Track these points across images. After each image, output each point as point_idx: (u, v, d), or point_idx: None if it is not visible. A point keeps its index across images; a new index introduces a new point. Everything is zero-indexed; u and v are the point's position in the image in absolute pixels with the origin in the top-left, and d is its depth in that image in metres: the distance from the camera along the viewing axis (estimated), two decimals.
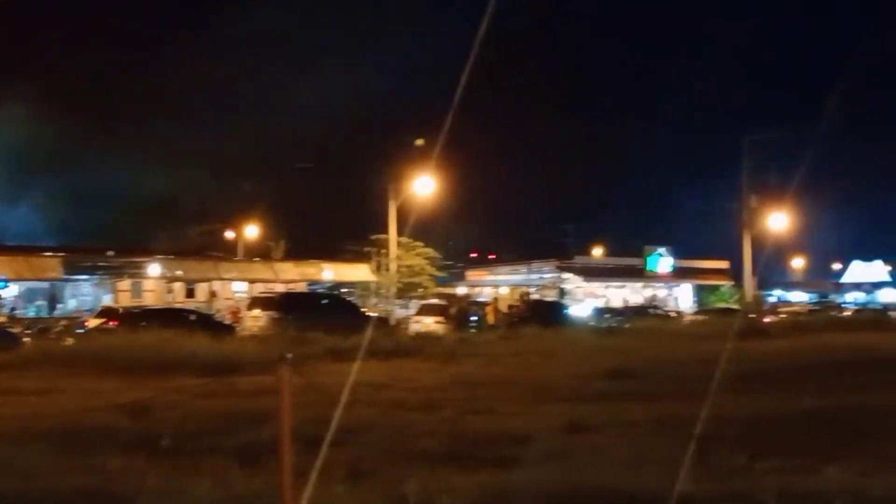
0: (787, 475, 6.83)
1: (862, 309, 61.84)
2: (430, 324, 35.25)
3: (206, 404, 11.47)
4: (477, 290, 65.35)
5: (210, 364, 16.23)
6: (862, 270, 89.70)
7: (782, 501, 5.94)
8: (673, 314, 51.89)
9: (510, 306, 41.80)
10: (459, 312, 37.44)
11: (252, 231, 58.93)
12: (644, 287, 69.18)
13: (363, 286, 51.48)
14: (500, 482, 6.55)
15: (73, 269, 45.36)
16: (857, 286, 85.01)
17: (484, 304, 43.37)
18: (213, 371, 15.26)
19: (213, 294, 47.92)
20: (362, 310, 37.13)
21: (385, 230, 47.53)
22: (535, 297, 53.91)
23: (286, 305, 32.18)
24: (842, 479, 6.49)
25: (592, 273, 67.40)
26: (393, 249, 47.65)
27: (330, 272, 52.44)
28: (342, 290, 50.51)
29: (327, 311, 32.10)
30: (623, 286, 68.38)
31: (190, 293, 48.21)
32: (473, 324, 37.33)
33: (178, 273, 48.53)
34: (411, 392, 13.75)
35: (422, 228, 49.88)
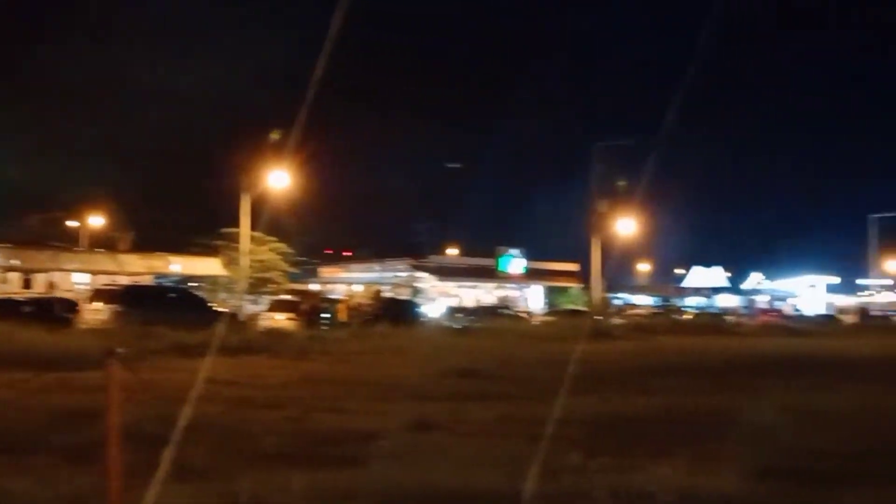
0: (619, 473, 7.01)
1: (701, 313, 64.74)
2: (280, 320, 34.80)
3: (37, 400, 10.93)
4: (330, 287, 64.95)
5: (44, 358, 15.48)
6: (702, 276, 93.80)
7: (612, 499, 6.09)
8: (523, 315, 52.92)
9: (362, 304, 41.73)
10: (311, 309, 37.08)
11: (97, 221, 56.72)
12: (496, 287, 70.27)
13: (212, 281, 50.32)
14: (340, 481, 6.48)
15: None
16: (698, 291, 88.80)
17: (337, 302, 43.11)
18: (47, 365, 14.54)
19: (51, 285, 45.89)
20: (210, 305, 36.24)
21: (237, 224, 46.60)
22: (388, 295, 53.99)
23: (130, 298, 31.08)
24: (669, 478, 6.71)
25: (446, 272, 68.01)
26: (244, 244, 46.73)
27: (178, 265, 51.08)
28: (190, 285, 49.22)
29: (174, 305, 31.15)
30: (476, 286, 69.25)
31: (27, 283, 46.02)
32: (325, 321, 37.06)
33: (15, 262, 46.24)
34: (258, 389, 13.51)
35: (275, 223, 49.18)
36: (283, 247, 52.58)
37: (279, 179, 44.90)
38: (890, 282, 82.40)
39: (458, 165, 69.79)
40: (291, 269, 54.74)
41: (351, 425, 9.81)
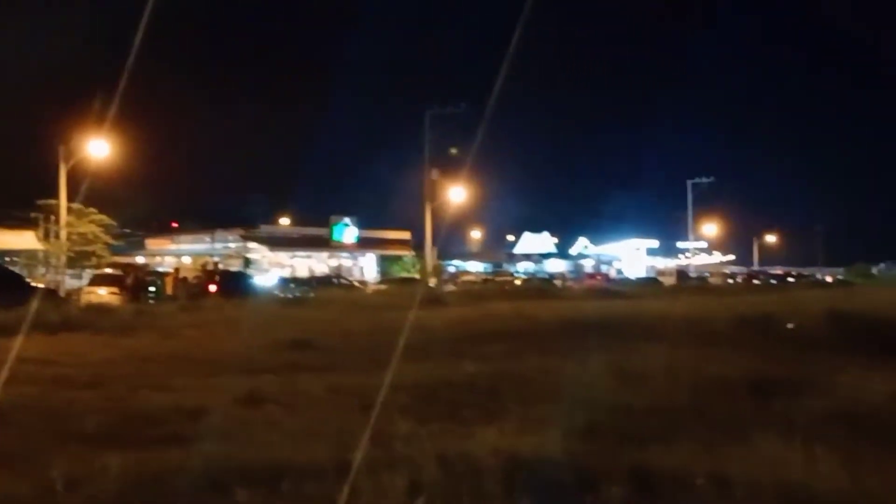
0: (448, 439, 7.13)
1: (531, 278, 66.62)
2: (104, 295, 33.54)
3: None
4: (158, 259, 62.98)
5: None
6: (532, 242, 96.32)
7: (439, 465, 6.19)
8: (357, 284, 52.95)
9: (195, 276, 40.68)
10: (136, 283, 35.85)
11: None
12: (330, 257, 69.97)
13: (29, 255, 47.75)
14: (163, 460, 6.30)
15: None
16: (528, 257, 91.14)
17: (164, 275, 41.83)
18: None
19: None
20: (27, 281, 34.43)
21: (55, 195, 44.37)
22: (220, 267, 52.85)
23: None
24: (496, 442, 6.88)
25: (278, 243, 67.16)
26: (63, 216, 44.62)
27: None
28: (5, 260, 46.57)
29: None
30: (309, 256, 68.73)
31: None
32: (152, 295, 35.96)
33: None
34: (78, 368, 12.95)
35: (98, 195, 47.05)
36: (105, 219, 50.40)
37: (100, 149, 43.06)
38: (705, 244, 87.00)
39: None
40: (115, 242, 52.61)
41: (177, 403, 9.54)
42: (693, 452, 6.77)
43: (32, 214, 47.77)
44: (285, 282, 50.42)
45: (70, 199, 44.18)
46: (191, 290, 36.47)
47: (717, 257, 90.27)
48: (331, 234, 69.22)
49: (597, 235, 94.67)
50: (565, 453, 6.58)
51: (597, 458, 6.69)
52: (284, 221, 72.78)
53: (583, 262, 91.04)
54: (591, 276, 76.15)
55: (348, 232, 69.87)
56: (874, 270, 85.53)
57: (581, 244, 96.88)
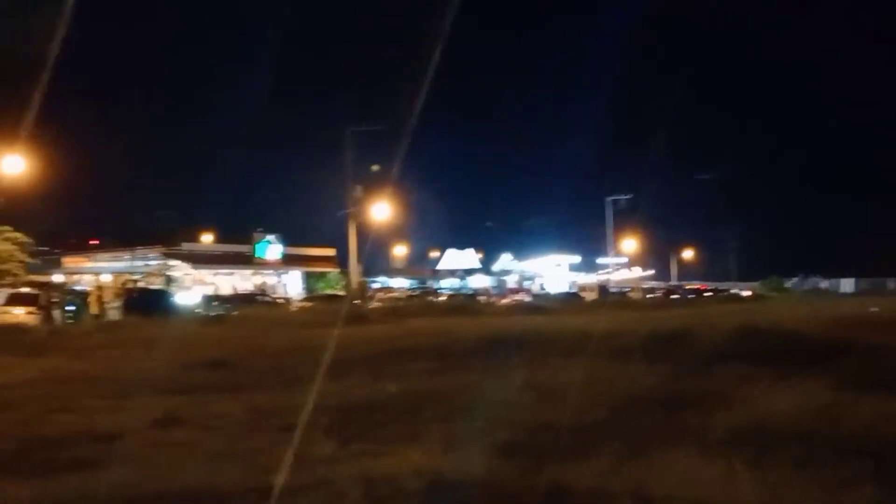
0: (369, 459, 7.12)
1: (455, 294, 66.79)
2: (19, 315, 32.62)
3: None
4: (76, 277, 61.54)
5: None
6: (456, 258, 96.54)
7: (362, 486, 6.17)
8: (281, 301, 52.43)
9: (117, 294, 39.87)
10: (51, 302, 35.00)
11: None
12: (254, 274, 69.17)
13: None
14: (73, 488, 6.15)
15: None
16: (452, 272, 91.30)
17: (83, 294, 40.88)
18: None
19: None
20: None
21: None
22: (139, 285, 51.87)
23: None
24: (418, 462, 6.89)
25: (200, 260, 66.13)
26: None
27: None
28: None
29: None
30: (232, 273, 67.85)
31: None
32: (70, 314, 35.13)
33: None
34: None
35: (11, 211, 45.82)
36: (20, 236, 49.07)
37: (14, 165, 41.98)
38: (625, 260, 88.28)
39: None
40: (31, 260, 51.24)
41: (89, 425, 9.33)
42: (610, 469, 6.87)
43: None
44: (208, 299, 49.67)
45: None
46: (107, 308, 35.79)
47: (637, 272, 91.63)
48: (254, 251, 68.46)
49: (521, 251, 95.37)
50: (487, 472, 6.62)
51: (517, 475, 6.75)
52: (207, 238, 71.74)
53: (506, 277, 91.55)
54: (514, 291, 76.62)
55: (272, 249, 69.18)
56: (788, 284, 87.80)
57: (505, 260, 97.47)
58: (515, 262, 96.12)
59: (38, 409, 10.83)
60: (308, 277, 71.35)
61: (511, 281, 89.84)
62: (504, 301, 59.54)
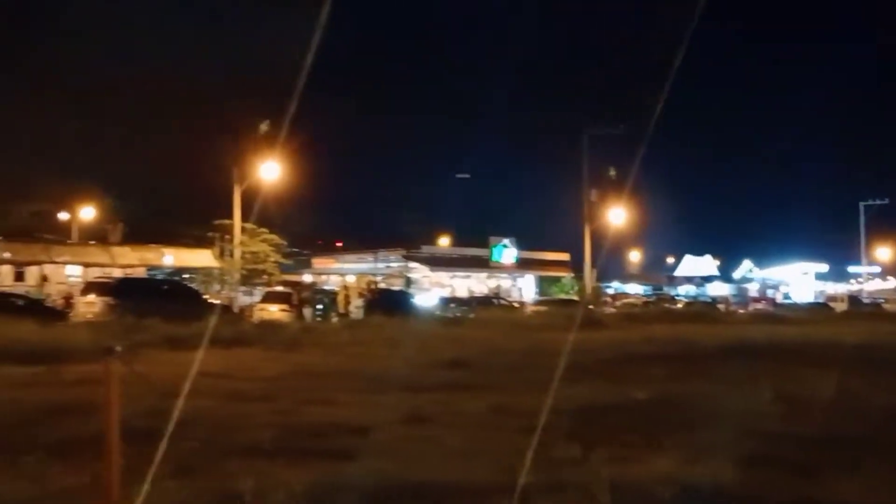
0: (615, 465, 7.05)
1: (693, 302, 64.97)
2: (274, 312, 34.82)
3: (28, 395, 10.93)
4: (323, 278, 64.91)
5: (37, 352, 15.49)
6: (693, 264, 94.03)
7: (611, 490, 6.12)
8: (516, 305, 52.96)
9: (361, 294, 41.76)
10: (304, 300, 37.12)
11: (88, 213, 56.52)
12: (488, 277, 70.32)
13: (205, 272, 50.23)
14: (334, 476, 6.49)
15: None
16: (689, 279, 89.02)
17: (331, 293, 43.11)
18: (39, 359, 14.57)
19: (44, 278, 45.74)
20: (204, 297, 36.23)
21: (229, 215, 46.55)
22: (381, 286, 54.02)
23: (123, 291, 31.03)
24: (666, 469, 6.75)
25: (439, 262, 68.01)
26: (237, 235, 46.73)
27: (170, 257, 50.90)
28: (183, 277, 49.15)
29: (167, 297, 31.12)
30: (468, 276, 69.30)
31: (19, 276, 45.87)
32: (319, 312, 37.12)
33: (6, 255, 46.10)
34: (251, 382, 13.49)
35: (267, 215, 49.13)
36: (275, 238, 52.51)
37: (271, 170, 44.87)
38: (879, 269, 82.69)
39: (466, 176, 70.15)
40: (284, 261, 54.69)
41: (344, 418, 9.80)
42: (868, 487, 6.47)
43: (209, 234, 50.27)
44: (445, 301, 50.97)
45: (243, 218, 46.16)
46: (362, 307, 37.47)
47: (893, 283, 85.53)
48: (490, 254, 69.61)
49: (762, 258, 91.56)
50: (736, 483, 6.39)
51: (768, 489, 6.48)
52: (444, 242, 73.69)
53: (747, 285, 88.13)
54: (757, 300, 73.54)
55: (507, 253, 70.08)
56: None
57: (745, 267, 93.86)
58: (757, 269, 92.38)
59: (293, 401, 11.45)
60: (542, 281, 71.70)
61: (752, 289, 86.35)
62: (746, 309, 57.30)
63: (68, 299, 37.61)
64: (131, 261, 48.96)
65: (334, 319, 34.36)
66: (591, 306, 46.82)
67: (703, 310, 50.53)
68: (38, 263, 46.52)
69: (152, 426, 6.54)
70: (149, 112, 61.37)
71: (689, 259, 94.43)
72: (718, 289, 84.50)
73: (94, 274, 43.00)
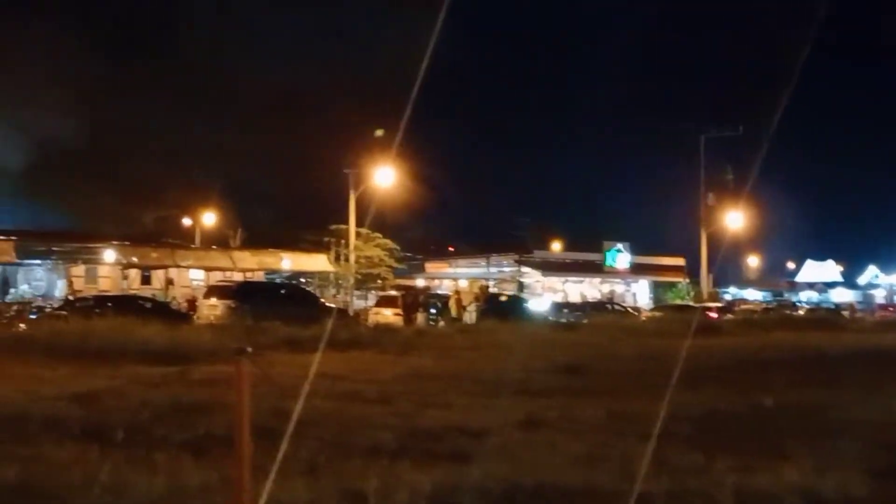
0: (740, 473, 6.89)
1: (815, 308, 62.82)
2: (389, 315, 35.21)
3: (159, 394, 11.35)
4: (436, 282, 65.32)
5: (165, 353, 16.10)
6: (815, 270, 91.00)
7: (736, 499, 5.98)
8: (631, 310, 52.22)
9: (475, 299, 41.84)
10: (418, 304, 37.39)
11: (209, 218, 58.42)
12: (602, 282, 69.54)
13: (322, 276, 51.25)
14: (455, 478, 6.54)
15: (26, 252, 44.67)
16: (811, 285, 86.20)
17: (443, 297, 43.36)
18: (168, 360, 15.13)
19: (169, 281, 47.44)
20: (321, 300, 36.96)
21: (344, 220, 47.38)
22: (493, 290, 54.04)
23: (243, 294, 31.94)
24: (794, 478, 6.56)
25: (551, 267, 67.59)
26: (352, 240, 47.53)
27: (288, 262, 52.14)
28: (300, 280, 50.26)
29: (285, 300, 31.90)
30: (581, 281, 68.67)
31: (146, 280, 47.69)
32: (433, 316, 37.35)
33: (134, 259, 47.98)
34: (368, 384, 13.69)
35: (381, 219, 49.80)
36: (389, 243, 53.20)
37: (385, 176, 45.43)
38: None
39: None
40: (397, 265, 55.33)
41: (461, 421, 9.86)
42: None
43: (324, 238, 51.28)
44: (558, 306, 50.64)
45: (358, 224, 46.89)
46: (475, 311, 37.57)
47: None
48: (604, 259, 68.82)
49: (888, 264, 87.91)
50: (870, 497, 6.16)
51: None
52: (556, 246, 73.23)
53: (873, 291, 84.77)
54: (884, 307, 70.64)
55: (621, 258, 69.13)
56: None
57: (871, 273, 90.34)
58: (883, 275, 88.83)
59: (411, 403, 11.58)
60: (656, 287, 70.47)
61: (879, 295, 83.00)
62: (873, 316, 55.16)
63: (192, 302, 38.92)
64: (251, 265, 50.32)
65: (448, 324, 34.51)
66: (708, 312, 45.71)
67: (828, 316, 48.79)
68: (164, 267, 48.26)
69: (277, 426, 6.70)
70: (268, 119, 62.95)
71: (810, 264, 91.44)
72: (842, 295, 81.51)
73: (216, 278, 44.38)
